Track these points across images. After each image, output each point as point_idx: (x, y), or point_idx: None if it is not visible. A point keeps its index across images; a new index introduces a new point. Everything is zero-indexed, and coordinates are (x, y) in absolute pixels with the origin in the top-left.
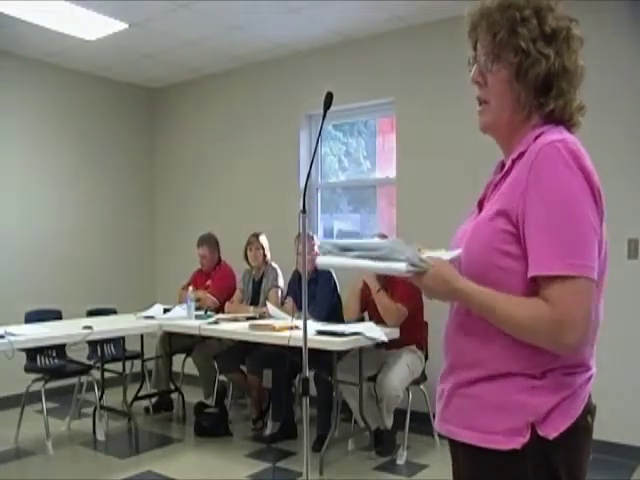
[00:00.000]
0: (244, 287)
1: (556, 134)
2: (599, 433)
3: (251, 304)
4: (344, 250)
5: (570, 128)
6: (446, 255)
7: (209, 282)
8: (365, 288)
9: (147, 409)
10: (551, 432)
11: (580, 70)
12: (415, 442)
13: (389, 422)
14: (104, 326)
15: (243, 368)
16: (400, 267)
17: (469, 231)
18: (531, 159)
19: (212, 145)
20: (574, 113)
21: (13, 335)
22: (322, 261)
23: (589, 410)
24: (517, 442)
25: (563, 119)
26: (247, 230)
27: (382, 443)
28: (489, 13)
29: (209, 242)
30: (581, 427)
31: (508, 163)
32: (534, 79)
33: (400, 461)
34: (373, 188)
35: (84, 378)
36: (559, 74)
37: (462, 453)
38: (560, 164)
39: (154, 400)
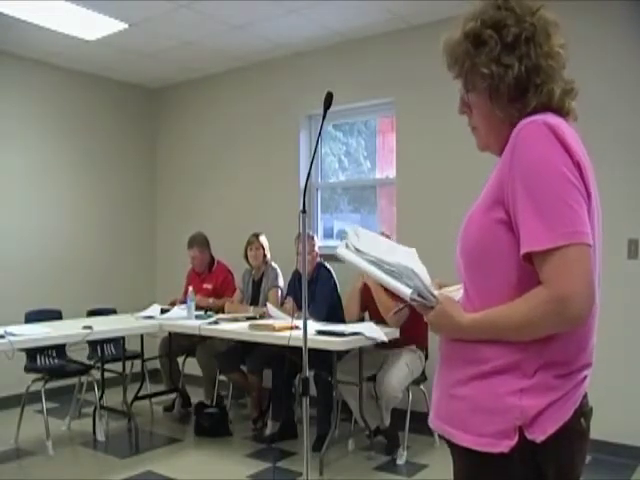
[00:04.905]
0: (244, 287)
1: (538, 115)
2: (599, 433)
3: (251, 304)
4: (361, 252)
5: (563, 116)
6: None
7: (209, 285)
8: (365, 288)
9: (166, 408)
10: (539, 435)
11: (557, 55)
12: (415, 442)
13: (387, 420)
14: (104, 326)
15: (243, 368)
16: (406, 291)
17: (464, 222)
18: (513, 141)
19: (212, 145)
20: (563, 98)
21: (13, 335)
22: (342, 252)
23: (582, 413)
24: (505, 445)
25: (551, 107)
26: (247, 230)
27: (387, 439)
28: (452, 48)
29: (199, 242)
30: (573, 430)
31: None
32: (506, 91)
33: (400, 461)
34: (373, 188)
35: (84, 378)
36: (530, 75)
37: (456, 453)
38: (540, 137)
39: (172, 398)
